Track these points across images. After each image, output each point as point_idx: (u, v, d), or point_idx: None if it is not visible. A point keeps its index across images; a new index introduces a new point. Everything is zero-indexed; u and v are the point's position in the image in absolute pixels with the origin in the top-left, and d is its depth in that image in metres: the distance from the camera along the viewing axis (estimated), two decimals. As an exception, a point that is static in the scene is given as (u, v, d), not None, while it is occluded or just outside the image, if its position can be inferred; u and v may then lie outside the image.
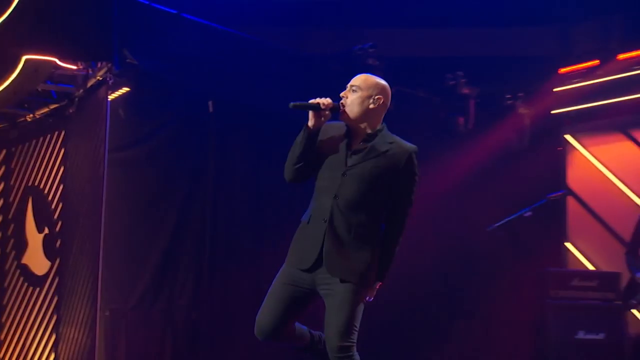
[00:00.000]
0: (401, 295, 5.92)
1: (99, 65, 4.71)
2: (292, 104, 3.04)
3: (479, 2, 6.57)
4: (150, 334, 4.97)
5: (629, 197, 6.84)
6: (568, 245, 7.17)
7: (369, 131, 3.13)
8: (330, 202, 3.10)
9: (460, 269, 6.74)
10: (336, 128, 3.20)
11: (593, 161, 7.23)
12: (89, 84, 4.76)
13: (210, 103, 5.21)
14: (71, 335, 4.52)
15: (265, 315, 3.14)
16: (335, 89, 5.69)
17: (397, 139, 3.21)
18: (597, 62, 6.95)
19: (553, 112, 7.33)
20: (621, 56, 6.82)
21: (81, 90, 4.82)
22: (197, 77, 5.11)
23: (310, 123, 3.06)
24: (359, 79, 3.15)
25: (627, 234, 6.79)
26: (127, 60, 4.73)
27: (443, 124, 6.88)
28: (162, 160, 5.12)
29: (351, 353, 3.02)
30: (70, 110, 4.87)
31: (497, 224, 5.95)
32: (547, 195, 6.35)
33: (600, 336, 5.71)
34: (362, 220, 3.10)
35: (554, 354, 5.71)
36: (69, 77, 4.83)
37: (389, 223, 3.17)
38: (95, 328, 4.40)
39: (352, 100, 3.08)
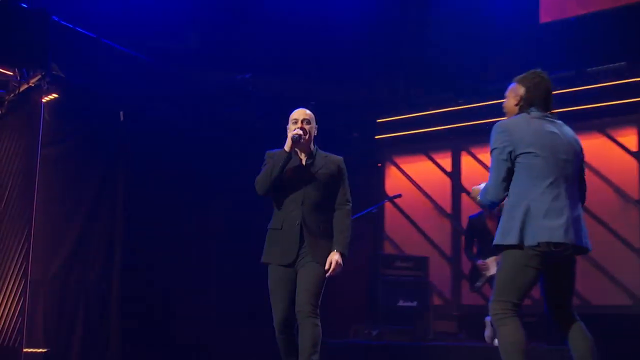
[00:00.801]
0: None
1: (31, 73, 5.17)
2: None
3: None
4: (65, 305, 5.38)
5: (429, 202, 8.42)
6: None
7: (312, 150, 3.85)
8: (299, 208, 3.69)
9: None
10: (278, 153, 3.78)
11: (403, 174, 8.77)
12: (22, 88, 5.19)
13: (121, 113, 5.81)
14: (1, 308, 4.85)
15: (279, 312, 3.66)
16: (217, 104, 6.62)
17: (326, 152, 3.93)
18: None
19: (376, 137, 8.92)
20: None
21: (12, 95, 5.23)
22: (111, 90, 5.71)
23: (288, 148, 3.68)
24: (306, 114, 3.84)
25: (427, 228, 8.37)
26: (54, 72, 5.26)
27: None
28: (77, 157, 5.56)
29: (317, 311, 3.60)
30: (1, 111, 5.26)
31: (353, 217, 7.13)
32: (386, 198, 7.65)
33: (414, 304, 6.99)
34: (324, 218, 3.77)
35: (382, 316, 6.79)
36: (2, 82, 5.20)
37: (340, 214, 3.80)
38: (25, 299, 4.82)
39: (309, 129, 3.78)
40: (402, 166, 8.79)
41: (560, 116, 3.43)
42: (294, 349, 3.63)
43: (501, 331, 3.17)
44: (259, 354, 5.65)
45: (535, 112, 3.32)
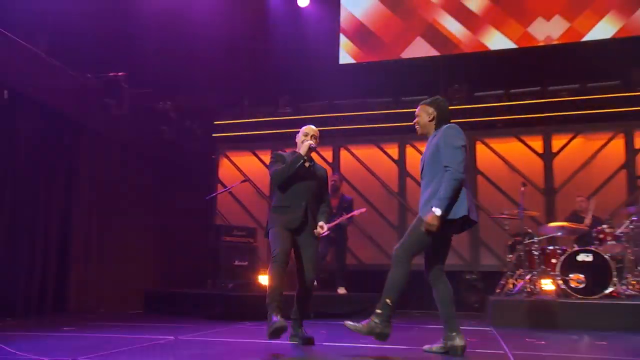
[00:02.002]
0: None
1: None
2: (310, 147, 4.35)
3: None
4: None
5: (254, 189, 9.85)
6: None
7: (311, 157, 4.52)
8: (303, 195, 4.33)
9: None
10: (289, 155, 4.43)
11: (234, 165, 10.23)
12: None
13: (5, 92, 6.01)
14: None
15: (283, 245, 4.12)
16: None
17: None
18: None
19: (214, 135, 10.29)
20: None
21: None
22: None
23: (304, 153, 4.32)
24: (315, 130, 4.51)
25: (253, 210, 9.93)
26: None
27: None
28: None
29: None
30: None
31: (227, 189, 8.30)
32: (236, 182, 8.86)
33: (245, 262, 8.21)
34: (316, 206, 4.47)
35: (223, 273, 7.81)
36: None
37: (323, 206, 4.49)
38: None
39: (316, 142, 4.47)
40: (234, 159, 10.30)
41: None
42: (283, 282, 4.09)
43: (399, 270, 3.74)
44: None
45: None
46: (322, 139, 9.08)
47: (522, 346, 4.47)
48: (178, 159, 9.54)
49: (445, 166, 3.72)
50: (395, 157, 9.51)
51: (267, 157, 9.81)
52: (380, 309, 3.74)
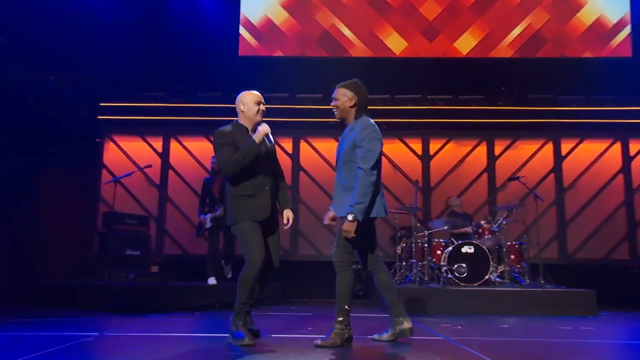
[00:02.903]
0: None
1: None
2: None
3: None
4: None
5: (143, 175, 9.01)
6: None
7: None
8: (264, 177, 3.77)
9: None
10: (239, 131, 3.77)
11: (120, 150, 9.36)
12: None
13: None
14: None
15: (262, 252, 3.61)
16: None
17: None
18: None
19: (99, 117, 9.28)
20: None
21: None
22: None
23: (259, 141, 3.70)
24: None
25: (140, 193, 9.16)
26: None
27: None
28: None
29: None
30: None
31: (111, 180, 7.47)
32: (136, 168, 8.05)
33: (137, 252, 7.57)
34: (275, 183, 3.92)
35: (109, 265, 7.04)
36: None
37: (282, 183, 3.98)
38: None
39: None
40: (121, 144, 9.40)
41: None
42: (255, 292, 3.76)
43: (345, 275, 3.62)
44: None
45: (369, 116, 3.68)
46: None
47: (449, 332, 4.53)
48: (57, 140, 8.42)
49: (360, 168, 3.55)
50: (290, 151, 9.37)
51: (158, 144, 9.33)
52: (342, 317, 3.69)
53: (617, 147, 9.25)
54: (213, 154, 8.63)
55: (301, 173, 9.30)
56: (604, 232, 9.04)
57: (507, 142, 9.36)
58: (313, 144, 9.33)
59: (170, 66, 9.07)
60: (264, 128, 3.77)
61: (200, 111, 9.07)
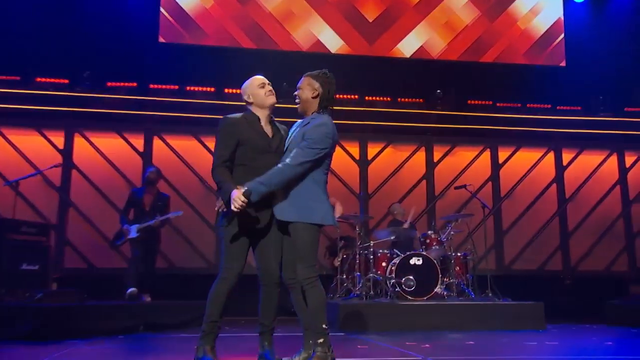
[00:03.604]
0: None
1: None
2: None
3: None
4: None
5: (40, 175, 8.25)
6: None
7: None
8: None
9: None
10: (248, 122, 3.51)
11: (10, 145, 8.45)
12: None
13: None
14: None
15: (240, 263, 3.46)
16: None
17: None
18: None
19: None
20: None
21: None
22: None
23: (233, 207, 3.32)
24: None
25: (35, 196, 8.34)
26: None
27: None
28: None
29: None
30: None
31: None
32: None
33: (36, 267, 6.76)
34: None
35: (3, 281, 6.21)
36: None
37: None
38: None
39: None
40: (12, 138, 8.53)
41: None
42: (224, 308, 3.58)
43: (315, 291, 3.44)
44: None
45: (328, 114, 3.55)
46: (133, 124, 8.44)
47: (422, 351, 4.45)
48: None
49: (291, 157, 3.42)
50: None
51: (59, 139, 8.58)
52: (322, 338, 3.47)
53: (551, 156, 9.72)
54: (131, 151, 8.36)
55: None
56: (539, 242, 9.45)
57: (446, 148, 9.53)
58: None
59: (76, 49, 8.42)
60: (237, 202, 3.30)
61: (111, 103, 8.49)
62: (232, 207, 3.24)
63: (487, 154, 9.64)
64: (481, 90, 9.48)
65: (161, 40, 8.88)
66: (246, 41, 9.27)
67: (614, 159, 9.84)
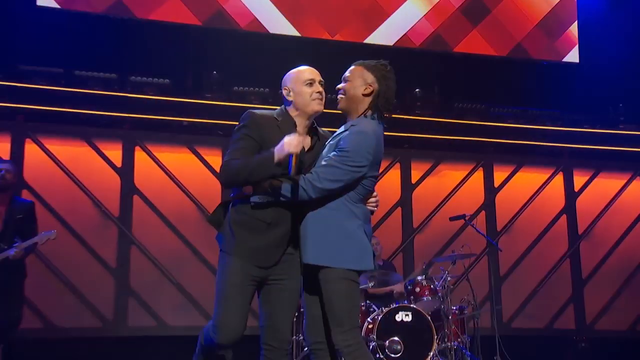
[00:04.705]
0: None
1: None
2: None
3: None
4: None
5: None
6: None
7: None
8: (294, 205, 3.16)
9: None
10: (279, 123, 3.27)
11: None
12: None
13: None
14: None
15: (237, 316, 3.10)
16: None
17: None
18: None
19: None
20: None
21: None
22: None
23: (279, 159, 3.08)
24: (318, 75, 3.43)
25: None
26: None
27: None
28: None
29: None
30: None
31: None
32: None
33: None
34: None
35: None
36: None
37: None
38: None
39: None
40: None
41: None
42: None
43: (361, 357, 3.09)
44: None
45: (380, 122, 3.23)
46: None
47: None
48: None
49: (309, 180, 3.08)
50: (117, 163, 7.47)
51: None
52: None
53: (560, 178, 8.89)
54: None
55: (135, 197, 7.48)
56: (545, 292, 8.58)
57: (427, 166, 8.53)
58: (154, 152, 7.65)
59: None
60: (293, 142, 3.07)
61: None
62: (289, 150, 3.05)
63: (479, 174, 8.69)
64: (472, 90, 8.64)
65: (40, 3, 7.37)
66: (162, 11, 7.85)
67: (639, 184, 9.09)
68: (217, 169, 7.68)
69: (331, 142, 3.22)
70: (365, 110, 3.23)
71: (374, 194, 3.25)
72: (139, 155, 7.54)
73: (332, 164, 3.08)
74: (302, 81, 3.28)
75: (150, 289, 7.28)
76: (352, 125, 3.18)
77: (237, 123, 3.37)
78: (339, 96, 3.28)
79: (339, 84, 3.35)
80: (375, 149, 3.14)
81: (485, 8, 8.89)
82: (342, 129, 3.23)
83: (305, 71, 3.32)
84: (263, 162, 3.08)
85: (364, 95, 3.22)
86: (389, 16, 8.64)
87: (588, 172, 9.01)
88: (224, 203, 3.33)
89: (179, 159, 7.64)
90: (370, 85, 3.22)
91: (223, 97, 7.77)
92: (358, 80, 3.23)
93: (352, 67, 3.29)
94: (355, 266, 3.10)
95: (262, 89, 7.86)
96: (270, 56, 7.72)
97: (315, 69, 3.41)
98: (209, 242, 6.18)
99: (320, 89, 3.28)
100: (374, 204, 3.25)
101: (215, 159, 7.61)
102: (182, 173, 7.56)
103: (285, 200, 3.08)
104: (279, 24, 8.21)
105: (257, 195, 3.14)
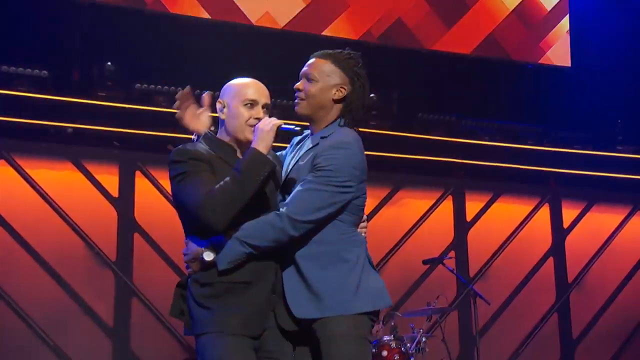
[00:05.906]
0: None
1: None
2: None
3: None
4: None
5: None
6: None
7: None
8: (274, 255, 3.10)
9: None
10: (218, 151, 3.12)
11: None
12: None
13: None
14: None
15: None
16: None
17: None
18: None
19: None
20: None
21: None
22: None
23: (267, 148, 3.00)
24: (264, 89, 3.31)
25: None
26: None
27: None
28: None
29: None
30: None
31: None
32: None
33: None
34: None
35: None
36: None
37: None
38: None
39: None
40: None
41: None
42: None
43: None
44: None
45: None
46: None
47: None
48: None
49: (283, 208, 3.00)
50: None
51: None
52: None
53: (545, 211, 8.83)
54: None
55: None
56: (529, 354, 8.49)
57: (385, 192, 8.31)
58: (26, 169, 7.23)
59: None
60: (267, 126, 2.98)
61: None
62: (273, 124, 2.99)
63: (447, 203, 8.54)
64: (439, 97, 8.47)
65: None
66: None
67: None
68: (113, 191, 7.37)
69: (300, 164, 3.10)
70: (335, 119, 3.09)
71: (364, 217, 3.13)
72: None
73: (313, 188, 2.98)
74: (241, 99, 3.08)
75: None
76: (324, 137, 3.08)
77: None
78: (299, 100, 3.08)
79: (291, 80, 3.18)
80: (361, 163, 3.06)
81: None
82: (308, 142, 3.11)
83: (249, 87, 3.11)
84: (250, 163, 2.96)
85: (335, 101, 3.06)
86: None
87: (579, 204, 9.04)
88: (178, 284, 3.12)
89: (59, 177, 7.30)
90: (342, 88, 3.06)
91: (120, 97, 7.41)
92: (325, 80, 3.07)
93: (315, 61, 3.09)
94: (371, 306, 3.01)
95: (173, 87, 7.32)
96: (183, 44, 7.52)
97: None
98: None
99: (262, 115, 3.05)
100: (364, 230, 3.15)
101: (111, 179, 7.27)
102: (64, 195, 7.19)
103: (257, 253, 2.94)
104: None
105: (211, 252, 2.99)
